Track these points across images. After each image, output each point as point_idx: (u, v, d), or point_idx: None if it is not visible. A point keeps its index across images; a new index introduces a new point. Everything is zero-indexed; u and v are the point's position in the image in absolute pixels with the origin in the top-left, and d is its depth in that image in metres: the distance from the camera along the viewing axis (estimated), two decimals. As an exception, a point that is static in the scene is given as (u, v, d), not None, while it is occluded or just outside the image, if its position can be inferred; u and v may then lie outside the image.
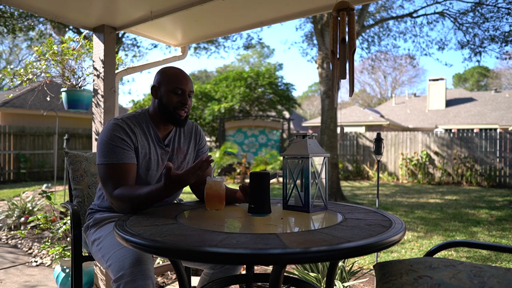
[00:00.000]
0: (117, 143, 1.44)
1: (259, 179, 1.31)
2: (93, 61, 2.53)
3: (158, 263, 2.74)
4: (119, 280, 1.19)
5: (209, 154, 11.23)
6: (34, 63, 2.78)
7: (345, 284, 2.23)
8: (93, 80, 2.52)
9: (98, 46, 2.49)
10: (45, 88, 3.01)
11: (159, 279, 2.75)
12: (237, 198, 1.56)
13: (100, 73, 2.47)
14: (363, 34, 10.70)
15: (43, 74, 2.79)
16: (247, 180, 10.53)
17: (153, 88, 1.57)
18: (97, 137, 2.42)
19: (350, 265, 2.45)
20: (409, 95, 29.31)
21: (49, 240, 3.28)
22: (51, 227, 3.21)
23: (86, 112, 12.60)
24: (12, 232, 4.18)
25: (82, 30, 5.78)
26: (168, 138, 1.60)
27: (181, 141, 1.66)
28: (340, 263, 2.33)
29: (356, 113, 21.68)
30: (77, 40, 2.75)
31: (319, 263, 2.33)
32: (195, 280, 2.43)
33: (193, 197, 1.86)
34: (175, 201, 1.80)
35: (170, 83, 1.52)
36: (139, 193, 1.34)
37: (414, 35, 10.72)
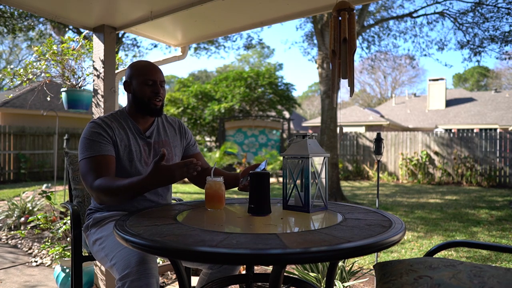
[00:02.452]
0: (94, 138, 1.49)
1: (259, 179, 1.31)
2: (93, 61, 2.53)
3: (158, 263, 2.74)
4: (125, 278, 1.19)
5: (210, 154, 11.10)
6: (34, 63, 2.77)
7: (345, 284, 2.23)
8: (93, 80, 2.52)
9: (98, 46, 2.49)
10: (45, 88, 3.01)
11: (159, 279, 2.75)
12: (237, 181, 1.60)
13: (100, 73, 2.46)
14: (363, 34, 10.69)
15: (43, 74, 2.79)
16: (247, 180, 10.50)
17: (125, 83, 1.62)
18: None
19: (350, 265, 2.45)
20: (409, 95, 29.31)
21: (49, 240, 3.28)
22: (51, 227, 3.21)
23: (86, 112, 12.59)
24: (12, 232, 4.18)
25: (82, 30, 5.78)
26: (150, 130, 1.65)
27: (166, 133, 1.69)
28: (340, 263, 2.33)
29: (356, 113, 21.68)
30: (77, 40, 2.75)
31: (319, 263, 2.33)
32: (195, 280, 2.43)
33: (193, 197, 1.86)
34: (175, 201, 1.80)
35: (140, 75, 1.57)
36: (118, 184, 1.33)
37: (414, 35, 10.72)
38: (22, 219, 4.34)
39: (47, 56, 2.70)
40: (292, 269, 2.47)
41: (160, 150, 1.62)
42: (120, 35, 11.09)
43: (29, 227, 4.26)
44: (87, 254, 1.79)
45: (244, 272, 1.66)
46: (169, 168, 1.26)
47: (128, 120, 1.62)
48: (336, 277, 2.29)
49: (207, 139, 15.06)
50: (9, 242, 3.89)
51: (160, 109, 1.61)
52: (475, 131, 11.25)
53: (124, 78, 1.66)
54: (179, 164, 1.27)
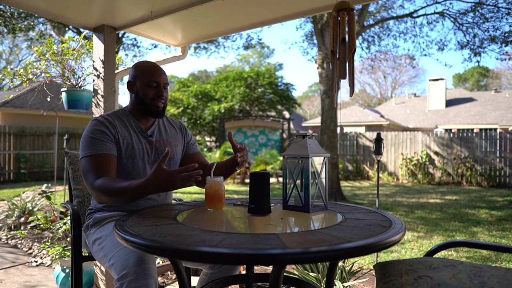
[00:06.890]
0: (97, 136, 1.49)
1: (259, 179, 1.31)
2: (93, 61, 2.53)
3: (158, 263, 2.74)
4: (123, 279, 1.19)
5: (210, 154, 11.09)
6: (34, 63, 2.78)
7: (345, 284, 2.23)
8: (93, 80, 2.52)
9: (98, 46, 2.49)
10: (45, 88, 3.01)
11: (159, 279, 2.75)
12: (233, 164, 1.60)
13: (100, 73, 2.46)
14: (363, 34, 10.69)
15: (43, 74, 2.79)
16: (247, 180, 10.53)
17: (129, 83, 1.63)
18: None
19: (350, 265, 2.45)
20: (409, 95, 29.30)
21: (49, 240, 3.28)
22: (51, 227, 3.21)
23: (86, 112, 12.59)
24: (12, 232, 4.18)
25: (82, 30, 5.78)
26: (151, 129, 1.66)
27: (167, 133, 1.71)
28: (340, 263, 2.33)
29: (356, 113, 21.67)
30: (77, 40, 2.75)
31: (319, 263, 2.33)
32: (195, 280, 2.43)
33: (193, 197, 1.86)
34: (175, 201, 1.80)
35: (144, 77, 1.59)
36: (119, 186, 1.33)
37: (414, 35, 10.72)
38: (22, 219, 4.34)
39: (47, 56, 2.70)
40: (292, 269, 2.47)
41: (162, 148, 1.63)
42: (120, 35, 11.10)
43: (29, 227, 4.26)
44: (87, 254, 1.79)
45: (244, 272, 1.66)
46: (170, 173, 1.24)
47: (130, 119, 1.63)
48: (336, 277, 2.29)
49: (207, 139, 15.07)
50: (9, 242, 3.89)
51: (162, 110, 1.62)
52: (475, 131, 11.25)
53: (127, 78, 1.67)
54: (180, 169, 1.24)
